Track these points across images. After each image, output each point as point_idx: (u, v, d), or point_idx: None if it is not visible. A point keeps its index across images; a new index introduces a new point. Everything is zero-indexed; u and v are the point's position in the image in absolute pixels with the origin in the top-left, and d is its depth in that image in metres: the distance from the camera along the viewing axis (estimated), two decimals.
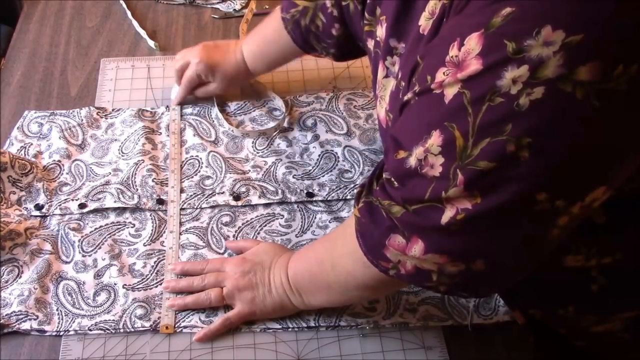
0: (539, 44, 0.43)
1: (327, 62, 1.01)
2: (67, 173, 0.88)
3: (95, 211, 0.83)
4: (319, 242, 0.73)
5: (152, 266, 0.78)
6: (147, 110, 0.97)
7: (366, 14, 0.70)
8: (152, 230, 0.82)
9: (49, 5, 1.16)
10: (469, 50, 0.47)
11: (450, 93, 0.48)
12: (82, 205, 0.83)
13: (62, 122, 0.94)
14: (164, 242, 0.81)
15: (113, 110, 0.97)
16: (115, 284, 0.76)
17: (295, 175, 0.89)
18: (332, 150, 0.92)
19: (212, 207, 0.85)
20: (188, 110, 0.97)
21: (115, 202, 0.83)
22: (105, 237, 0.80)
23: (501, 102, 0.45)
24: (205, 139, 0.93)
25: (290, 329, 0.74)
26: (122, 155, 0.90)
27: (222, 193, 0.86)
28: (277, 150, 0.93)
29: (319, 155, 0.91)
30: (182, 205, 0.85)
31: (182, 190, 0.86)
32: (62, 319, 0.73)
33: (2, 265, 0.77)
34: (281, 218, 0.84)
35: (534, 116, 0.44)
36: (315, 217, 0.85)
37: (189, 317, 0.74)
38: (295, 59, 0.98)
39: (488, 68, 0.45)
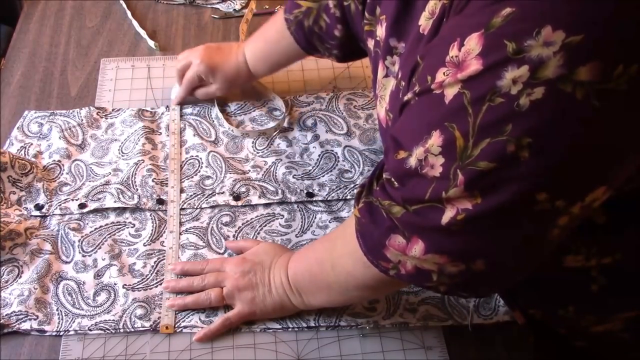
0: (539, 44, 0.43)
1: (327, 62, 1.01)
2: (67, 173, 0.88)
3: (95, 211, 0.83)
4: (319, 242, 0.73)
5: (152, 266, 0.78)
6: (147, 110, 0.97)
7: (366, 14, 0.70)
8: (152, 230, 0.82)
9: (49, 5, 1.16)
10: (469, 51, 0.47)
11: (450, 93, 0.48)
12: (82, 205, 0.83)
13: (62, 122, 0.94)
14: (164, 242, 0.81)
15: (113, 110, 0.97)
16: (115, 284, 0.76)
17: (295, 175, 0.89)
18: (332, 150, 0.92)
19: (212, 207, 0.85)
20: (188, 110, 0.97)
21: (115, 202, 0.83)
22: (105, 237, 0.80)
23: (501, 102, 0.45)
24: (205, 139, 0.93)
25: (290, 329, 0.74)
26: (122, 155, 0.90)
27: (222, 193, 0.86)
28: (277, 150, 0.93)
29: (319, 155, 0.91)
30: (182, 205, 0.85)
31: (182, 190, 0.86)
32: (62, 319, 0.73)
33: (2, 265, 0.77)
34: (281, 218, 0.84)
35: (534, 116, 0.44)
36: (315, 217, 0.85)
37: (189, 317, 0.74)
38: (297, 61, 0.97)
39: (488, 68, 0.45)
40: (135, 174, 0.87)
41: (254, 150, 0.93)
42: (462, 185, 0.49)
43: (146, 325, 0.73)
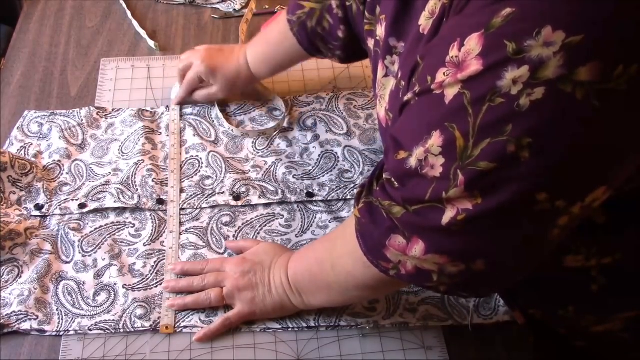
0: (539, 45, 0.43)
1: (327, 62, 1.01)
2: (67, 173, 0.88)
3: (95, 211, 0.83)
4: (319, 242, 0.73)
5: (152, 266, 0.78)
6: (147, 110, 0.97)
7: (366, 13, 0.70)
8: (152, 230, 0.82)
9: (49, 5, 1.16)
10: (469, 51, 0.47)
11: (450, 93, 0.48)
12: (82, 205, 0.83)
13: (62, 122, 0.94)
14: (164, 242, 0.81)
15: (113, 110, 0.97)
16: (115, 284, 0.76)
17: (295, 175, 0.89)
18: (332, 150, 0.92)
19: (212, 207, 0.85)
20: (188, 110, 0.97)
21: (115, 202, 0.83)
22: (105, 237, 0.80)
23: (501, 102, 0.45)
24: (205, 139, 0.93)
25: (290, 329, 0.74)
26: (122, 155, 0.90)
27: (222, 193, 0.86)
28: (277, 150, 0.93)
29: (319, 155, 0.91)
30: (182, 205, 0.85)
31: (182, 190, 0.86)
32: (62, 319, 0.73)
33: (2, 265, 0.77)
34: (281, 218, 0.84)
35: (535, 117, 0.44)
36: (315, 217, 0.85)
37: (189, 317, 0.74)
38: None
39: (488, 68, 0.45)
40: (135, 174, 0.87)
41: (254, 150, 0.93)
42: (463, 186, 0.49)
43: (146, 325, 0.73)
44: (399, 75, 0.62)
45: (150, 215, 0.83)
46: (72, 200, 0.84)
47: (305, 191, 0.87)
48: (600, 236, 0.62)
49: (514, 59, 0.44)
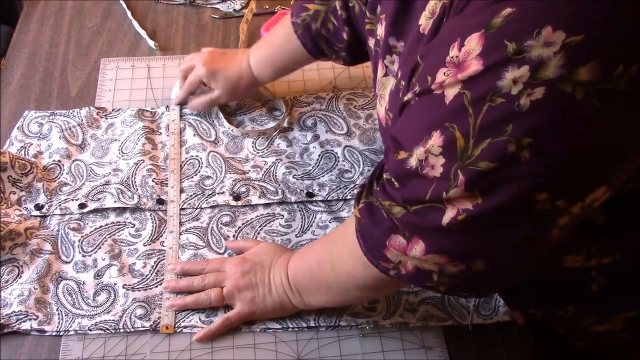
0: (539, 45, 0.43)
1: (327, 62, 1.01)
2: (67, 173, 0.88)
3: (95, 211, 0.83)
4: (319, 242, 0.73)
5: (152, 266, 0.78)
6: (147, 110, 0.97)
7: (367, 13, 0.70)
8: (152, 230, 0.82)
9: (49, 5, 1.16)
10: (470, 51, 0.47)
11: (450, 93, 0.48)
12: (82, 205, 0.83)
13: (62, 122, 0.94)
14: (164, 242, 0.81)
15: (113, 110, 0.97)
16: (115, 284, 0.76)
17: (295, 175, 0.89)
18: (332, 150, 0.92)
19: (212, 207, 0.85)
20: (188, 110, 0.97)
21: (115, 202, 0.83)
22: (105, 237, 0.80)
23: (502, 102, 0.45)
24: (205, 139, 0.93)
25: (290, 329, 0.74)
26: (122, 155, 0.90)
27: (222, 193, 0.86)
28: (277, 150, 0.93)
29: (319, 155, 0.91)
30: (182, 205, 0.85)
31: (182, 190, 0.86)
32: (62, 319, 0.73)
33: (2, 265, 0.77)
34: (281, 218, 0.84)
35: (535, 116, 0.44)
36: (315, 217, 0.85)
37: (189, 317, 0.74)
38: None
39: (488, 68, 0.45)
40: (135, 174, 0.87)
41: (254, 150, 0.93)
42: (463, 186, 0.49)
43: (146, 325, 0.73)
44: (399, 75, 0.62)
45: (150, 215, 0.83)
46: (72, 200, 0.84)
47: (305, 191, 0.87)
48: (600, 236, 0.62)
49: (514, 59, 0.44)
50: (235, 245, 0.80)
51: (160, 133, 0.94)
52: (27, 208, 0.83)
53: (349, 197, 0.86)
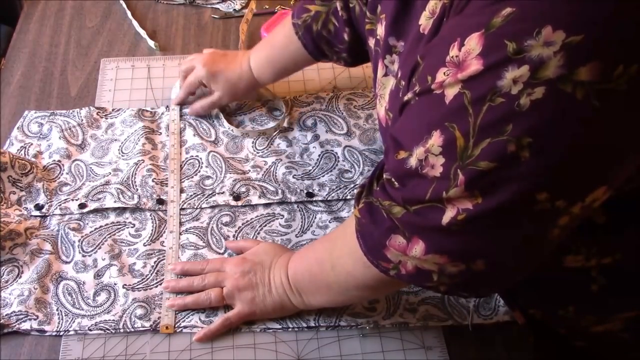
0: (539, 44, 0.43)
1: (328, 62, 1.01)
2: (67, 173, 0.88)
3: (95, 211, 0.83)
4: (319, 242, 0.73)
5: (152, 266, 0.78)
6: (147, 110, 0.97)
7: (367, 13, 0.70)
8: (152, 230, 0.82)
9: (49, 5, 1.16)
10: (470, 51, 0.47)
11: (450, 93, 0.48)
12: (82, 205, 0.83)
13: (62, 122, 0.94)
14: (164, 242, 0.81)
15: (113, 110, 0.97)
16: (115, 284, 0.76)
17: (295, 175, 0.89)
18: (332, 150, 0.92)
19: (212, 207, 0.85)
20: (188, 110, 0.97)
21: (115, 202, 0.83)
22: (105, 237, 0.80)
23: (502, 102, 0.45)
24: (205, 139, 0.93)
25: (290, 329, 0.74)
26: (122, 155, 0.90)
27: (222, 193, 0.86)
28: (277, 150, 0.93)
29: (319, 155, 0.91)
30: (182, 205, 0.85)
31: (182, 190, 0.86)
32: (62, 319, 0.73)
33: (2, 265, 0.77)
34: (281, 218, 0.84)
35: (535, 116, 0.44)
36: (315, 217, 0.85)
37: (189, 317, 0.74)
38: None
39: (488, 68, 0.45)
40: (135, 174, 0.87)
41: (254, 150, 0.93)
42: (463, 185, 0.49)
43: (146, 325, 0.73)
44: (399, 75, 0.62)
45: (150, 215, 0.83)
46: (72, 200, 0.84)
47: (305, 191, 0.87)
48: (600, 236, 0.62)
49: (514, 58, 0.44)
50: (235, 245, 0.80)
51: (160, 133, 0.94)
52: (27, 208, 0.83)
53: (349, 197, 0.86)
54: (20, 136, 0.91)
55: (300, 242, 0.82)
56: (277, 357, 0.71)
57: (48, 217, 0.82)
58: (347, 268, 0.64)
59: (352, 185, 0.88)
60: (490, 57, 0.45)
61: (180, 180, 0.88)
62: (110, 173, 0.87)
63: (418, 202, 0.53)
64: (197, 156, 0.91)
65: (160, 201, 0.84)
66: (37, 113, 0.95)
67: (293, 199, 0.86)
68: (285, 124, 0.96)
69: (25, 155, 0.89)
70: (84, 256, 0.78)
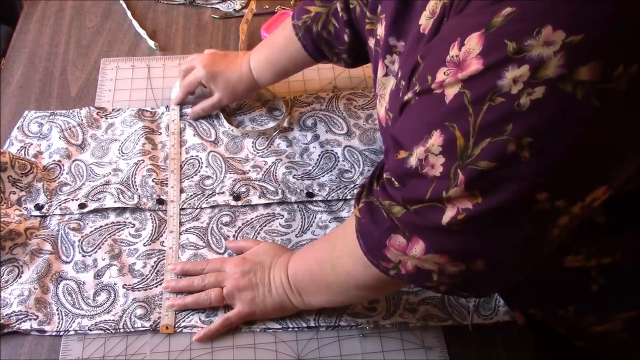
0: (539, 44, 0.43)
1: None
2: (67, 173, 0.88)
3: (95, 211, 0.83)
4: (319, 242, 0.73)
5: (152, 266, 0.78)
6: (147, 110, 0.97)
7: (368, 13, 0.70)
8: (152, 230, 0.82)
9: (49, 5, 1.16)
10: (470, 50, 0.47)
11: (450, 93, 0.48)
12: (82, 205, 0.83)
13: (62, 122, 0.94)
14: (164, 242, 0.81)
15: (113, 110, 0.97)
16: (115, 284, 0.76)
17: (295, 175, 0.89)
18: (332, 150, 0.92)
19: (212, 207, 0.85)
20: (188, 110, 0.97)
21: (115, 202, 0.83)
22: (105, 237, 0.80)
23: (502, 102, 0.45)
24: (205, 139, 0.93)
25: (290, 329, 0.74)
26: (122, 155, 0.90)
27: (222, 193, 0.86)
28: (277, 150, 0.93)
29: (319, 155, 0.91)
30: (182, 205, 0.85)
31: (182, 190, 0.86)
32: (62, 319, 0.73)
33: (2, 265, 0.77)
34: (281, 218, 0.84)
35: (535, 116, 0.44)
36: (315, 217, 0.85)
37: (189, 317, 0.74)
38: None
39: (489, 68, 0.45)
40: (135, 174, 0.87)
41: (254, 150, 0.93)
42: (463, 185, 0.49)
43: (146, 325, 0.73)
44: (399, 75, 0.62)
45: (150, 215, 0.83)
46: (72, 200, 0.84)
47: (305, 191, 0.87)
48: (600, 236, 0.62)
49: (514, 58, 0.44)
50: (235, 245, 0.80)
51: (160, 133, 0.94)
52: (27, 208, 0.83)
53: (349, 197, 0.86)
54: (20, 136, 0.91)
55: (300, 242, 0.82)
56: (277, 357, 0.71)
57: (48, 217, 0.82)
58: (347, 268, 0.64)
59: (352, 185, 0.88)
60: (490, 56, 0.45)
61: (180, 180, 0.88)
62: (110, 173, 0.87)
63: (418, 202, 0.53)
64: (197, 156, 0.91)
65: (160, 201, 0.84)
66: (37, 113, 0.95)
67: (293, 199, 0.86)
68: (285, 124, 0.96)
69: (25, 155, 0.89)
70: (84, 256, 0.78)
